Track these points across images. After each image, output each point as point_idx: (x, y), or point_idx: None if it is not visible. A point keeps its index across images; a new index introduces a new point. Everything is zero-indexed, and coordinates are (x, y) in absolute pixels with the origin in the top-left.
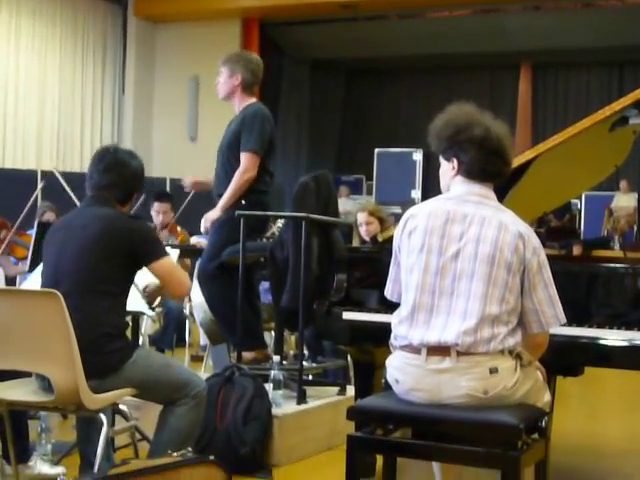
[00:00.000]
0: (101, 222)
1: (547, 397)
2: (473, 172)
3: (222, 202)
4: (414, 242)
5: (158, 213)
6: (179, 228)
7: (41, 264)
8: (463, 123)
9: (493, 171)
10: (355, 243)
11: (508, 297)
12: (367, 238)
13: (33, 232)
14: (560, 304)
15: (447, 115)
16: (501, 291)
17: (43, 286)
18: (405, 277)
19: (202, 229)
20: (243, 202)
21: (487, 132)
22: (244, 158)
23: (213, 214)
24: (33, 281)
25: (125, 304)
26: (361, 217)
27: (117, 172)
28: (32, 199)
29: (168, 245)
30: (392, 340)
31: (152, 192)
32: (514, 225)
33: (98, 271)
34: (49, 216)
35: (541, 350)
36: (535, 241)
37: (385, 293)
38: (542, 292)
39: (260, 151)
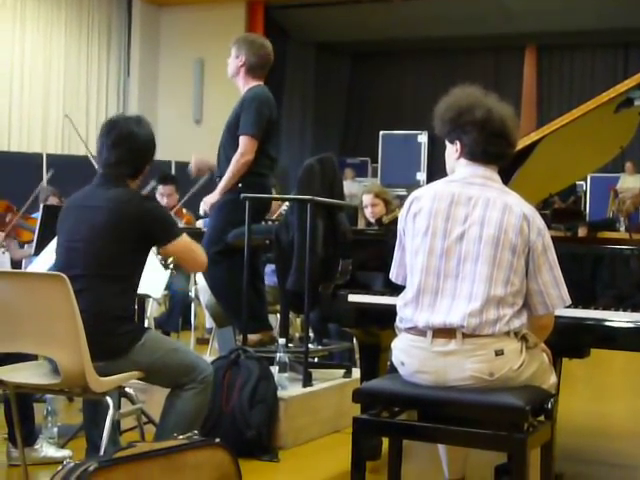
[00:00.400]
0: (113, 205)
1: (553, 379)
2: (475, 154)
3: (221, 185)
4: (419, 225)
5: (163, 196)
6: (184, 210)
7: (47, 247)
8: (465, 105)
9: (496, 153)
10: (361, 225)
11: (513, 279)
12: (372, 220)
13: (38, 215)
14: (565, 285)
15: (450, 98)
16: (506, 273)
17: (56, 266)
18: (410, 260)
19: (201, 211)
20: (240, 185)
21: (489, 113)
22: (241, 141)
23: (212, 197)
24: (39, 264)
25: (137, 286)
26: (366, 199)
27: (126, 147)
28: (39, 187)
29: None
30: (397, 323)
31: (157, 175)
32: (518, 207)
33: (110, 256)
34: (52, 201)
35: (547, 331)
36: (540, 222)
37: (390, 276)
38: (547, 274)
39: (258, 134)
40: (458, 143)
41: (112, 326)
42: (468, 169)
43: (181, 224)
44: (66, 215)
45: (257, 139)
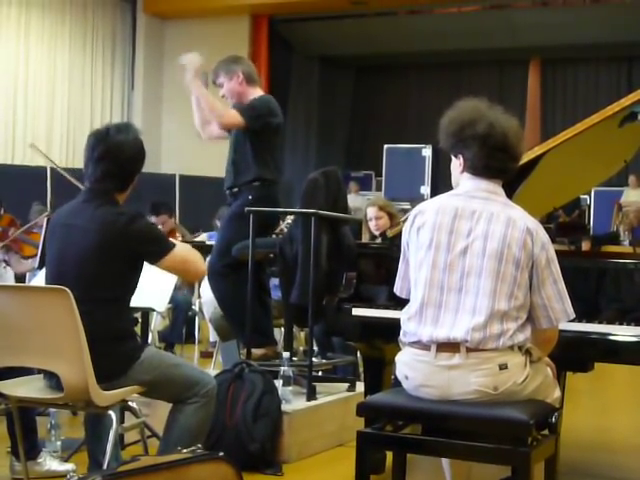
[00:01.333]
0: (100, 227)
1: (557, 393)
2: (478, 168)
3: (204, 91)
4: (422, 238)
5: (158, 225)
6: (178, 233)
7: None
8: (467, 119)
9: (498, 167)
10: (365, 238)
11: (517, 293)
12: (377, 233)
13: (42, 230)
14: (568, 299)
15: (454, 111)
16: (510, 287)
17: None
18: (414, 273)
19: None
20: (250, 197)
21: (490, 128)
22: (232, 112)
23: (201, 87)
24: (42, 278)
25: (129, 305)
26: (371, 212)
27: (112, 160)
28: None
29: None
30: (401, 336)
31: (159, 189)
32: (522, 220)
33: (99, 279)
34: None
35: (551, 345)
36: (543, 236)
37: (395, 290)
38: (551, 287)
39: (247, 119)
40: (461, 157)
41: (108, 348)
42: (471, 183)
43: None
44: (52, 233)
45: (244, 122)
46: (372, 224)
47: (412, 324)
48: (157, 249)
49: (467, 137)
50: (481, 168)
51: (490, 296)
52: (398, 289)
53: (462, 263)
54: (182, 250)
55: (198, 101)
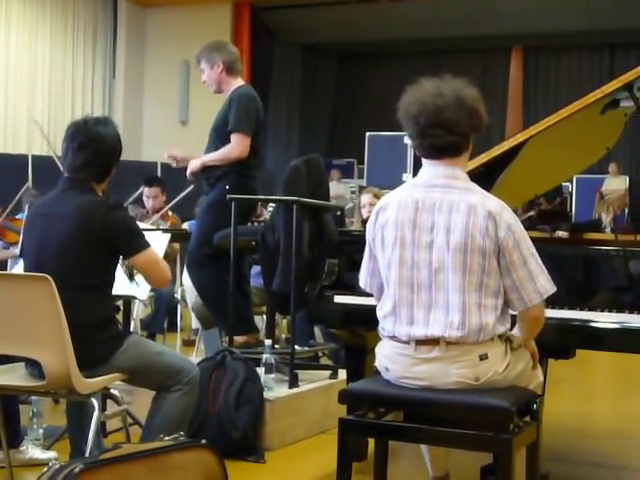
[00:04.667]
0: (80, 214)
1: (540, 378)
2: (418, 149)
3: (205, 158)
4: (387, 236)
5: (148, 198)
6: (170, 212)
7: None
8: (408, 103)
9: (433, 144)
10: (357, 225)
11: (487, 281)
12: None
13: (24, 216)
14: (543, 275)
15: (405, 96)
16: (479, 276)
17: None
18: (383, 271)
19: (188, 174)
20: (227, 187)
21: (422, 107)
22: (235, 139)
23: (196, 162)
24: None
25: (110, 292)
26: (365, 198)
27: (92, 149)
28: (24, 188)
29: (159, 229)
30: (380, 330)
31: (142, 177)
32: (483, 207)
33: (79, 267)
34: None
35: (538, 324)
36: (509, 217)
37: (361, 285)
38: (521, 269)
39: (250, 132)
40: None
41: (90, 335)
42: (430, 170)
43: (165, 226)
44: (31, 223)
45: (249, 136)
46: (365, 210)
47: (388, 322)
48: (132, 243)
49: (406, 120)
50: (418, 148)
51: (460, 291)
52: (366, 285)
53: (429, 258)
54: (154, 253)
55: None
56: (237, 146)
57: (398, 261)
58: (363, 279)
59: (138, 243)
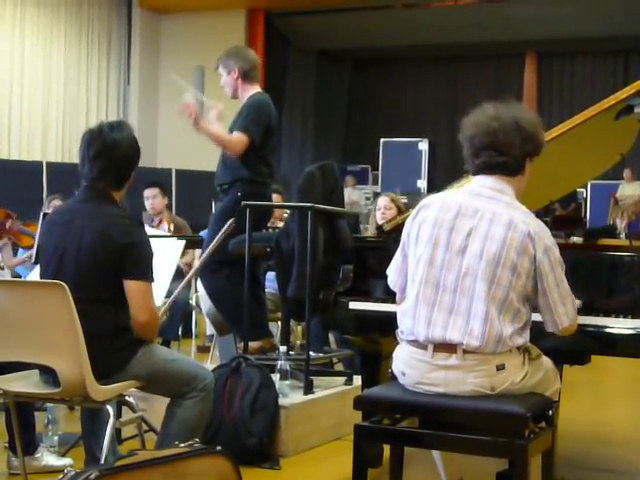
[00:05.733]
0: (98, 228)
1: (557, 384)
2: (473, 167)
3: (214, 130)
4: (423, 233)
5: (148, 199)
6: (169, 220)
7: None
8: (464, 125)
9: (486, 162)
10: (371, 230)
11: (512, 297)
12: (381, 222)
13: (39, 223)
14: (571, 300)
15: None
16: (504, 291)
17: None
18: (411, 268)
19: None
20: (239, 194)
21: (477, 128)
22: (236, 135)
23: (204, 125)
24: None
25: (125, 303)
26: (382, 201)
27: (107, 157)
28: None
29: (174, 236)
30: (399, 333)
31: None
32: (524, 224)
33: (96, 280)
34: (56, 204)
35: (571, 333)
36: (548, 240)
37: (389, 282)
38: (555, 291)
39: (251, 134)
40: None
41: (105, 344)
42: (479, 179)
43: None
44: (51, 229)
45: (250, 139)
46: (379, 213)
47: (407, 320)
48: (138, 270)
49: (463, 140)
50: (472, 166)
51: (484, 300)
52: (392, 282)
53: (459, 262)
54: (150, 290)
55: (215, 139)
56: (236, 141)
57: (428, 259)
58: (391, 276)
59: (141, 271)
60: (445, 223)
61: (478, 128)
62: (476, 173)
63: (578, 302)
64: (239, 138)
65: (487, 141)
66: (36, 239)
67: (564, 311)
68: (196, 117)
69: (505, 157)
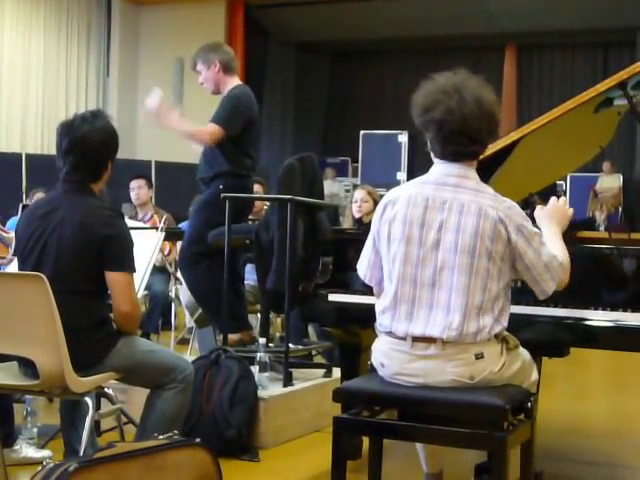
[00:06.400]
0: (78, 220)
1: (534, 376)
2: (436, 152)
3: (183, 126)
4: (395, 231)
5: (133, 189)
6: (154, 211)
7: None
8: (429, 103)
9: (455, 151)
10: (348, 222)
11: (490, 285)
12: (357, 215)
13: (14, 225)
14: (556, 262)
15: (421, 91)
16: (483, 280)
17: None
18: (387, 266)
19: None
20: (221, 186)
21: (447, 114)
22: (211, 126)
23: (171, 121)
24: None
25: (105, 295)
26: (358, 194)
27: (78, 152)
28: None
29: (154, 228)
30: (377, 326)
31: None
32: (494, 210)
33: (75, 273)
34: (39, 196)
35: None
36: (517, 217)
37: (362, 277)
38: (538, 264)
39: (225, 126)
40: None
41: (84, 337)
42: (442, 167)
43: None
44: (29, 224)
45: (224, 131)
46: (356, 205)
47: (386, 318)
48: (119, 260)
49: (426, 121)
50: (439, 152)
51: (464, 292)
52: (367, 277)
53: (434, 257)
54: (132, 281)
55: (184, 134)
56: (206, 132)
57: (403, 257)
58: (363, 270)
59: (125, 263)
60: (415, 219)
61: (448, 114)
62: (443, 160)
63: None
64: (210, 129)
65: (459, 129)
66: (10, 249)
67: (549, 276)
68: (160, 115)
69: (475, 145)
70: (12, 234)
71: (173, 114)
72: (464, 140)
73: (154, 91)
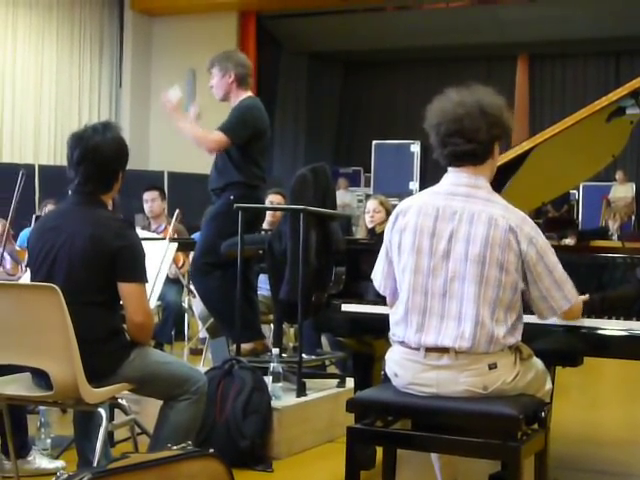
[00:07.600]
0: (89, 233)
1: (548, 385)
2: (439, 158)
3: (189, 128)
4: (405, 241)
5: (146, 202)
6: (168, 223)
7: None
8: (429, 113)
9: (454, 152)
10: (361, 233)
11: (502, 296)
12: (370, 225)
13: (24, 242)
14: (568, 282)
15: (432, 105)
16: (494, 290)
17: None
18: (399, 276)
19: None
20: (232, 197)
21: (442, 116)
22: (217, 134)
23: (180, 121)
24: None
25: (118, 305)
26: (371, 204)
27: (90, 163)
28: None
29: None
30: (390, 335)
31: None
32: (504, 219)
33: (88, 285)
34: (50, 208)
35: (577, 317)
36: (530, 230)
37: (377, 287)
38: (547, 279)
39: (231, 135)
40: None
41: (99, 348)
42: (451, 177)
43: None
44: (41, 236)
45: (229, 140)
46: (368, 216)
47: (399, 329)
48: (131, 271)
49: (429, 129)
50: (441, 157)
51: (475, 302)
52: (381, 287)
53: (445, 267)
54: (144, 291)
55: (189, 134)
56: (214, 139)
57: (414, 268)
58: (378, 280)
59: (137, 273)
60: (426, 229)
61: (443, 116)
62: (446, 164)
63: (584, 297)
64: (215, 137)
65: (453, 128)
66: (22, 269)
67: (562, 295)
68: (173, 111)
69: (472, 144)
70: (24, 249)
71: (186, 116)
72: (458, 140)
73: (175, 88)
